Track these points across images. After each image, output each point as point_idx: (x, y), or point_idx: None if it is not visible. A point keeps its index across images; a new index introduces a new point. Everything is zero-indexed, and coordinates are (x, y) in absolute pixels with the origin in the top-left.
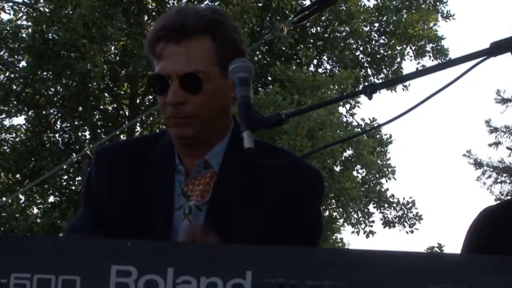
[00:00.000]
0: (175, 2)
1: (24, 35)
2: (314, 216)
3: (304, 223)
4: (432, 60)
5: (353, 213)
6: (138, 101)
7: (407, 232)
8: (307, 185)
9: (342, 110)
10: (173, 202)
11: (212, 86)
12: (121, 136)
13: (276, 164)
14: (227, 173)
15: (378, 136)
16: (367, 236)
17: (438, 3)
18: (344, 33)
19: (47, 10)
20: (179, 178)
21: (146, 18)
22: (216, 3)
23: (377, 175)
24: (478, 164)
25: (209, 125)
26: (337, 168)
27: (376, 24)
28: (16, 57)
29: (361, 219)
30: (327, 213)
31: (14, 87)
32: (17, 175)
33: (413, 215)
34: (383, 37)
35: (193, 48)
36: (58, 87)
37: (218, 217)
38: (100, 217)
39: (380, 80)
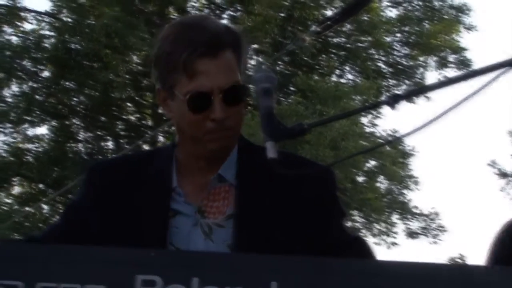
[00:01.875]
0: (197, 12)
1: (47, 45)
2: (342, 210)
3: (336, 220)
4: (455, 71)
5: (376, 224)
6: (160, 110)
7: (430, 243)
8: (327, 184)
9: (364, 120)
10: (167, 221)
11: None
12: (144, 146)
13: (298, 174)
14: (246, 185)
15: (400, 147)
16: (389, 247)
17: (460, 14)
18: (366, 44)
19: (70, 20)
20: (175, 198)
21: None
22: (238, 13)
23: (400, 186)
24: (502, 174)
25: (237, 136)
26: (360, 179)
27: (399, 35)
28: (39, 67)
29: (384, 229)
30: (349, 223)
31: (37, 97)
32: (40, 185)
33: (437, 226)
34: (406, 48)
35: (226, 61)
36: (81, 97)
37: (250, 231)
38: (71, 231)
39: (402, 91)
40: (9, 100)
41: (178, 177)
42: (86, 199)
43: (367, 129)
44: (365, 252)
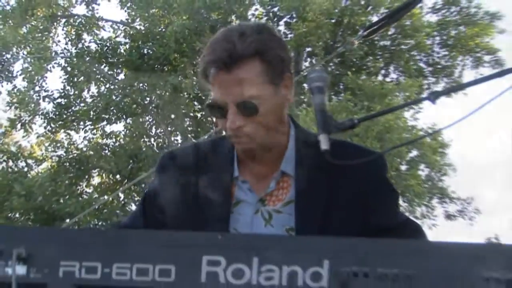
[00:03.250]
0: (256, 20)
1: (122, 50)
2: (391, 191)
3: (388, 202)
4: (489, 70)
5: (417, 207)
6: None
7: (466, 225)
8: (377, 168)
9: (407, 115)
10: (232, 208)
11: (267, 107)
12: None
13: (350, 164)
14: (304, 175)
15: (440, 138)
16: (430, 228)
17: (494, 19)
18: (409, 46)
19: (142, 28)
20: (240, 186)
21: None
22: (293, 20)
23: (439, 173)
24: None
25: (269, 138)
26: (403, 167)
27: (438, 38)
28: (115, 70)
29: (425, 213)
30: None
31: (114, 97)
32: (117, 176)
33: (472, 209)
34: (445, 49)
35: (245, 74)
36: (153, 97)
37: (308, 215)
38: (145, 220)
39: (442, 88)
40: (89, 100)
41: (240, 166)
42: (158, 186)
43: (410, 123)
44: (418, 233)
